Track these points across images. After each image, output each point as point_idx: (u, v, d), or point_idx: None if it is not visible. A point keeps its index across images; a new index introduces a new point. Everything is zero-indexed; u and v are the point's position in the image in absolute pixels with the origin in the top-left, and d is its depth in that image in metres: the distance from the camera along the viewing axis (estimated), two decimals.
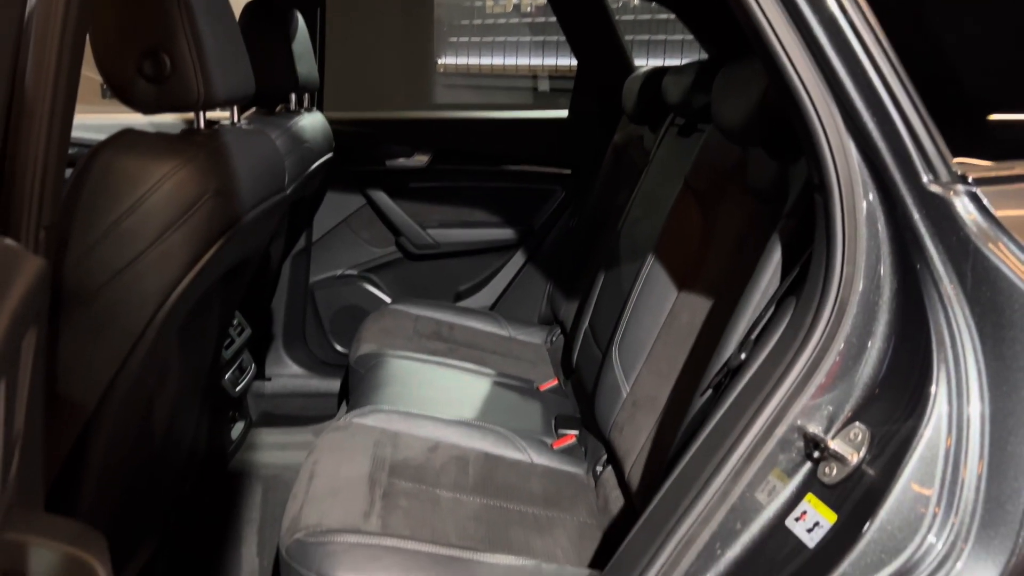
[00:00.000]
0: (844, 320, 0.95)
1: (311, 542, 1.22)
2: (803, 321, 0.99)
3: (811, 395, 0.97)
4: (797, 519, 0.96)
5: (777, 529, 0.97)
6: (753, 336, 1.11)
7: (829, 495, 0.94)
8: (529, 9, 5.12)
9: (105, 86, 1.20)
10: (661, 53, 4.57)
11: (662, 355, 1.55)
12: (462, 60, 5.11)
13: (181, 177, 1.08)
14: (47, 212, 0.91)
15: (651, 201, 1.88)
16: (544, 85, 4.20)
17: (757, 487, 0.99)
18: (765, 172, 1.38)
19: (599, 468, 1.67)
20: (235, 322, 1.86)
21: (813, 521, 0.94)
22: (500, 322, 2.51)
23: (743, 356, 1.08)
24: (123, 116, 1.36)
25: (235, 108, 1.40)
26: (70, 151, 0.97)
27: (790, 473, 0.99)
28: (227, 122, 1.44)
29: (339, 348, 2.69)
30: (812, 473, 0.97)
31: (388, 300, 2.67)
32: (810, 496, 0.96)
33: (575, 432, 1.80)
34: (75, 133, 1.01)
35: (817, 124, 0.91)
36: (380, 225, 2.70)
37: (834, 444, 0.94)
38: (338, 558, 1.19)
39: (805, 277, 1.02)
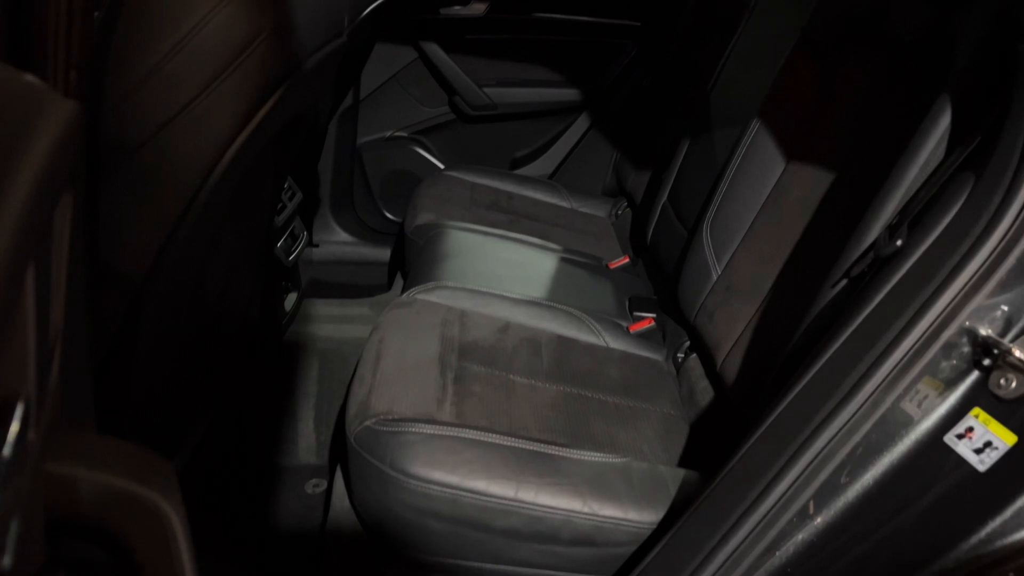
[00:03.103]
0: None
1: (383, 430, 1.11)
2: (987, 201, 0.81)
3: (989, 292, 0.81)
4: (960, 436, 0.82)
5: (933, 445, 0.83)
6: (908, 219, 0.93)
7: (1005, 412, 0.80)
8: None
9: None
10: None
11: (763, 235, 1.38)
12: None
13: (232, 11, 0.89)
14: (76, 48, 0.75)
15: (752, 57, 1.65)
16: None
17: (906, 396, 0.85)
18: (913, 20, 1.16)
19: (680, 355, 1.55)
20: (285, 186, 1.71)
21: (983, 440, 0.80)
22: (561, 192, 2.33)
23: (899, 243, 0.91)
24: None
25: None
26: None
27: (949, 382, 0.84)
28: None
29: (389, 215, 2.54)
30: (981, 384, 0.82)
31: (440, 165, 2.50)
32: (978, 411, 0.82)
33: (652, 315, 1.67)
34: None
35: None
36: (432, 82, 2.48)
37: (1017, 350, 0.79)
38: (413, 449, 1.09)
39: (991, 148, 0.84)
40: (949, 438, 0.83)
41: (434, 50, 2.40)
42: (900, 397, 0.84)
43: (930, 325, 0.82)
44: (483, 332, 1.43)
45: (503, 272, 1.73)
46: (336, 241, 2.46)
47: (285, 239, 1.72)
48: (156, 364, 1.15)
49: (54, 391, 0.44)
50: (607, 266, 1.92)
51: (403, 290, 1.79)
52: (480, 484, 1.06)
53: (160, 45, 0.90)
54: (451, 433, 1.12)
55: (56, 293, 0.45)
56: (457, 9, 2.39)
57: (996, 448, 0.79)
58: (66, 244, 0.47)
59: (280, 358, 1.86)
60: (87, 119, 0.85)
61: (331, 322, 2.06)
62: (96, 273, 0.92)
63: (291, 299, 1.92)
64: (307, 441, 1.73)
